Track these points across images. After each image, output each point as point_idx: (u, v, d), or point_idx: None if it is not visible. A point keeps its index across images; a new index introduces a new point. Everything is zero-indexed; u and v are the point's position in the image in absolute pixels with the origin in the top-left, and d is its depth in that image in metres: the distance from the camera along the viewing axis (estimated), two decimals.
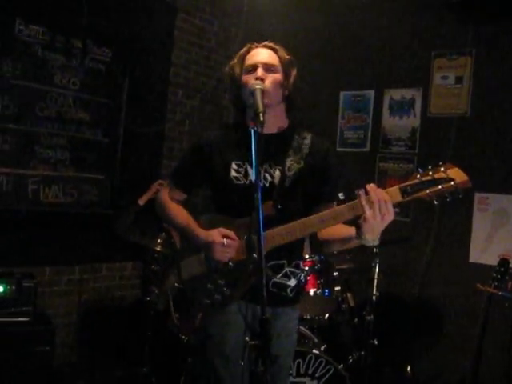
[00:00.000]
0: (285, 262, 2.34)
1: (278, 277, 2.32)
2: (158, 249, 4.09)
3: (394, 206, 1.99)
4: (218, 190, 2.40)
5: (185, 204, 2.55)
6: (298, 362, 3.30)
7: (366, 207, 1.97)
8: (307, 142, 2.38)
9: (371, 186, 1.99)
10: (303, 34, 5.13)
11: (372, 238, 2.03)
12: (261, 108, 2.03)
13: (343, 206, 2.09)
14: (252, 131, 1.99)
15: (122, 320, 4.51)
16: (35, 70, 4.05)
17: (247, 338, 1.98)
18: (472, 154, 4.26)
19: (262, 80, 2.20)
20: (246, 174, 2.29)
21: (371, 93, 4.90)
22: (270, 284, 2.30)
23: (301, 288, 2.50)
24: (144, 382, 4.00)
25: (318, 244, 2.40)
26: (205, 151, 2.37)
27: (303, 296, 3.63)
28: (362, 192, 1.99)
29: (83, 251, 4.35)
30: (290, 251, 2.32)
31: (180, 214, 2.45)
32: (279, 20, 5.25)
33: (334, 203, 2.31)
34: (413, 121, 4.66)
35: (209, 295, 2.30)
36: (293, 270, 2.38)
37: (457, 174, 1.97)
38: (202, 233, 2.29)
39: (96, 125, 4.42)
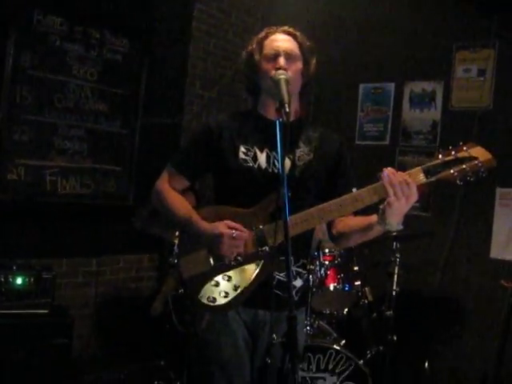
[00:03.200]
0: (292, 258, 2.13)
1: (282, 274, 2.15)
2: (176, 241, 4.05)
3: (418, 188, 1.95)
4: (225, 174, 2.25)
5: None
6: (319, 358, 3.28)
7: (390, 189, 1.92)
8: (317, 134, 2.31)
9: (390, 169, 1.96)
10: (322, 26, 5.06)
11: (397, 221, 1.99)
12: (286, 99, 1.96)
13: (363, 189, 2.04)
14: (277, 122, 1.94)
15: (139, 312, 4.49)
16: (53, 60, 4.03)
17: (274, 336, 1.90)
18: (494, 149, 4.15)
19: (285, 69, 2.12)
20: (255, 158, 2.21)
21: (391, 85, 4.84)
22: (274, 284, 2.12)
23: (307, 290, 2.36)
24: (161, 376, 3.99)
25: (334, 239, 2.33)
26: (214, 133, 2.25)
27: (318, 294, 3.60)
28: (384, 174, 1.94)
29: (100, 243, 4.33)
30: (297, 247, 2.14)
31: (182, 205, 2.28)
32: (297, 10, 5.19)
33: None
34: (434, 114, 4.59)
35: (212, 297, 2.15)
36: (299, 270, 2.27)
37: (480, 153, 1.94)
38: (206, 225, 2.14)
39: (113, 116, 4.40)
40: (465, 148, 1.95)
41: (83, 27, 4.19)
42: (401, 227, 2.03)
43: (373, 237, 2.17)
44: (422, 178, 1.96)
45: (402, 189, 1.92)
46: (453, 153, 1.95)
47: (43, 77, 3.99)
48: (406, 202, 1.93)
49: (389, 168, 1.97)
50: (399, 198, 1.92)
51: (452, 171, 1.94)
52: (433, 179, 1.96)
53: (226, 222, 2.10)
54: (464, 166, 1.93)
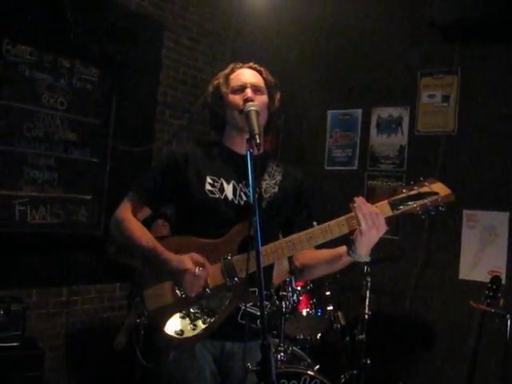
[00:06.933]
0: (256, 289, 2.01)
1: (248, 305, 2.14)
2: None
3: (385, 219, 2.03)
4: (190, 204, 2.21)
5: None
6: None
7: (362, 219, 1.99)
8: (280, 169, 2.35)
9: (361, 199, 2.03)
10: (290, 54, 5.16)
11: (365, 252, 2.05)
12: (257, 130, 2.00)
13: (332, 221, 2.08)
14: (248, 153, 1.96)
15: (111, 342, 4.43)
16: (23, 90, 4.01)
17: (249, 365, 1.89)
18: (460, 172, 4.28)
19: (252, 101, 2.16)
20: (222, 189, 2.20)
21: (359, 111, 4.94)
22: (239, 315, 2.14)
23: (271, 318, 2.36)
24: None
25: (296, 271, 2.34)
26: (179, 162, 2.22)
27: (291, 319, 3.59)
28: (355, 204, 2.01)
29: (71, 273, 4.27)
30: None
31: (144, 235, 2.19)
32: (266, 40, 5.27)
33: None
34: (401, 139, 4.69)
35: (180, 329, 2.09)
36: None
37: (440, 188, 2.06)
38: (173, 257, 2.08)
39: (84, 145, 4.38)
40: (426, 183, 2.07)
41: (53, 56, 4.18)
42: (368, 259, 2.09)
43: (338, 269, 2.22)
44: (388, 210, 2.05)
45: (372, 219, 1.99)
46: (415, 188, 2.06)
47: (12, 106, 3.95)
48: (377, 232, 2.01)
49: (359, 197, 2.03)
50: (370, 228, 1.99)
51: (415, 205, 2.05)
52: (398, 212, 2.07)
53: (191, 255, 2.07)
54: (426, 201, 2.05)
